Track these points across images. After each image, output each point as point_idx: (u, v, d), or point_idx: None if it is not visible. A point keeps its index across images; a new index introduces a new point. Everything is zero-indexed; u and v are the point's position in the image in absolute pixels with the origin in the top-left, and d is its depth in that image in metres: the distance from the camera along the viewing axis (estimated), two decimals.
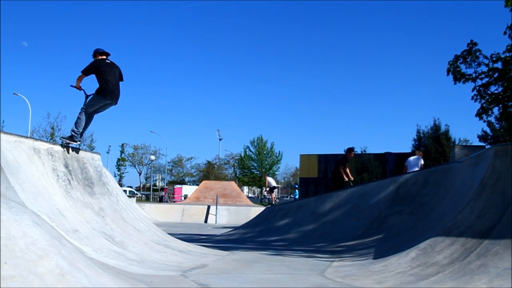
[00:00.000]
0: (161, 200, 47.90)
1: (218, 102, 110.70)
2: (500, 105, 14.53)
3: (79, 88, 8.08)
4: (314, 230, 11.43)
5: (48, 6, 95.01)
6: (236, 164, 68.13)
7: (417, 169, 12.86)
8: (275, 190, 29.01)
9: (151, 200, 51.26)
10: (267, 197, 28.66)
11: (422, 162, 13.74)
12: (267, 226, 13.30)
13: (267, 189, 28.92)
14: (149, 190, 60.03)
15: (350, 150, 15.23)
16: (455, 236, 5.89)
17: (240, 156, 64.72)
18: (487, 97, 14.23)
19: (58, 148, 7.48)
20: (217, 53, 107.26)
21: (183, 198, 46.85)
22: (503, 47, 14.04)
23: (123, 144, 67.83)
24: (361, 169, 40.94)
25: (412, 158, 14.00)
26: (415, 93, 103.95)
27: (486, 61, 14.16)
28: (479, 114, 14.57)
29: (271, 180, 29.65)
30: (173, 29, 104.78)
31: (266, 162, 61.46)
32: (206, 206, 24.23)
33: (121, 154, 67.39)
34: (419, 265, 5.68)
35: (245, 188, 78.72)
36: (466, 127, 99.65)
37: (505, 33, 13.70)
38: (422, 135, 39.71)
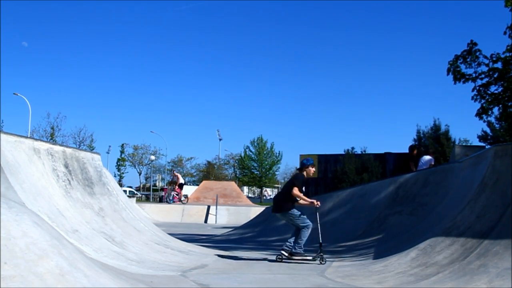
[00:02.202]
0: (161, 200, 47.87)
1: (218, 102, 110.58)
2: (500, 105, 14.52)
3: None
4: (314, 230, 11.41)
5: (48, 6, 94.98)
6: (236, 164, 68.10)
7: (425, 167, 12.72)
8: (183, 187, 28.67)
9: (151, 200, 51.24)
10: (174, 193, 28.13)
11: (432, 162, 13.60)
12: (267, 226, 13.30)
13: (176, 186, 28.32)
14: (149, 190, 60.00)
15: (412, 147, 14.92)
16: (455, 236, 5.89)
17: (240, 156, 64.69)
18: (487, 97, 14.21)
19: (58, 148, 7.48)
20: (217, 53, 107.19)
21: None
22: (503, 47, 14.03)
23: (123, 144, 67.71)
24: (361, 169, 40.94)
25: (425, 158, 13.68)
26: (415, 93, 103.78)
27: (486, 61, 14.14)
28: (479, 114, 14.55)
29: (180, 177, 29.36)
30: (173, 29, 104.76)
31: (266, 162, 61.42)
32: (206, 206, 24.22)
33: (121, 154, 67.28)
34: (419, 265, 5.68)
35: (245, 188, 78.68)
36: (466, 127, 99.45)
37: (505, 33, 13.69)
38: (422, 135, 39.71)
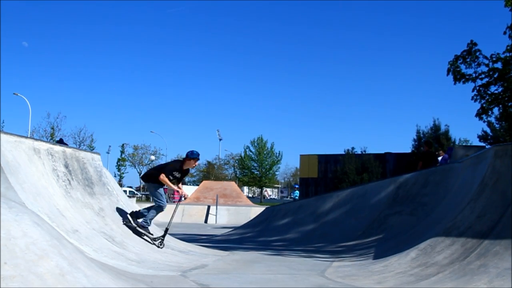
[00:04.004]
0: None
1: (218, 102, 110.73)
2: (500, 105, 14.53)
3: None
4: (314, 230, 11.41)
5: (48, 6, 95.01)
6: (236, 164, 68.10)
7: None
8: None
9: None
10: None
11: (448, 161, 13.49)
12: (267, 226, 13.30)
13: None
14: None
15: (430, 143, 15.06)
16: (455, 236, 5.88)
17: (240, 156, 64.69)
18: (487, 97, 14.22)
19: (58, 148, 7.48)
20: (217, 53, 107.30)
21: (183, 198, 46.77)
22: (503, 47, 14.04)
23: (123, 144, 67.60)
24: (361, 169, 40.93)
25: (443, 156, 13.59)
26: (415, 93, 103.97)
27: (486, 61, 14.16)
28: (479, 115, 14.56)
29: None
30: (173, 29, 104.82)
31: (266, 162, 61.41)
32: (206, 206, 24.21)
33: (121, 154, 67.19)
34: (419, 265, 5.68)
35: (245, 188, 78.68)
36: (466, 127, 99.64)
37: (504, 33, 13.71)
38: (422, 135, 39.71)
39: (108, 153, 72.51)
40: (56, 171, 6.96)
